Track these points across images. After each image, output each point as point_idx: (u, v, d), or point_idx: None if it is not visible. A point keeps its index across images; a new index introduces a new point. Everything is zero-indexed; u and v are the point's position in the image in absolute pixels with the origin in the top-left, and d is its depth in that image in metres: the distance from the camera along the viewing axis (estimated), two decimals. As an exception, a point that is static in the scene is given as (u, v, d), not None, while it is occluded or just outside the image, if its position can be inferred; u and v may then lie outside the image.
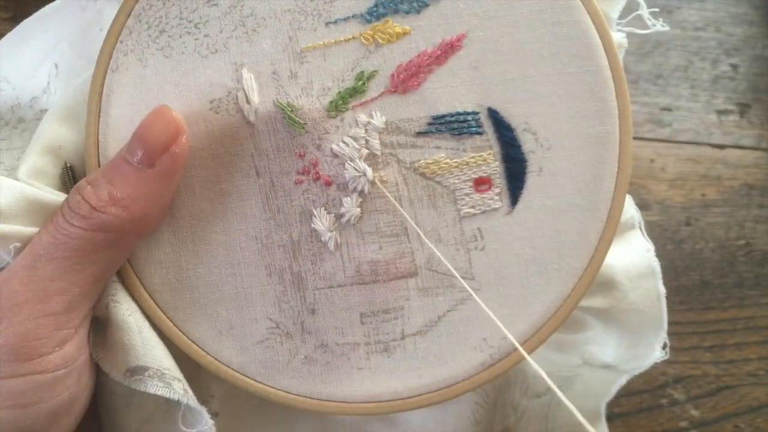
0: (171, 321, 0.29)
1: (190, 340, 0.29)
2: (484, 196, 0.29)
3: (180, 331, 0.29)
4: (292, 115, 0.28)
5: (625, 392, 0.44)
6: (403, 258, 0.29)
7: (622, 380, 0.34)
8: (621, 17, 0.33)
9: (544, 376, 0.26)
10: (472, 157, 0.29)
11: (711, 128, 0.48)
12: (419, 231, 0.28)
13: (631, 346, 0.32)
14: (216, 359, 0.29)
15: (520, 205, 0.29)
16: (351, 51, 0.28)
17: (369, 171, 0.28)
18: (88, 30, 0.35)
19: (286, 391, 0.29)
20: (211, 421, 0.27)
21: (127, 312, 0.28)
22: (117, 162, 0.27)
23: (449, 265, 0.28)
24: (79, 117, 0.30)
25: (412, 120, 0.29)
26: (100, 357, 0.28)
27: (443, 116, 0.29)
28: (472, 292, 0.28)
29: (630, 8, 0.33)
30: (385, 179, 0.28)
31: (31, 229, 0.27)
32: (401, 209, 0.28)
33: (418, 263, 0.29)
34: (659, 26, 0.34)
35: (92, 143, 0.29)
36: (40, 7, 0.35)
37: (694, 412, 0.44)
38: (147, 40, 0.29)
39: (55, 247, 0.25)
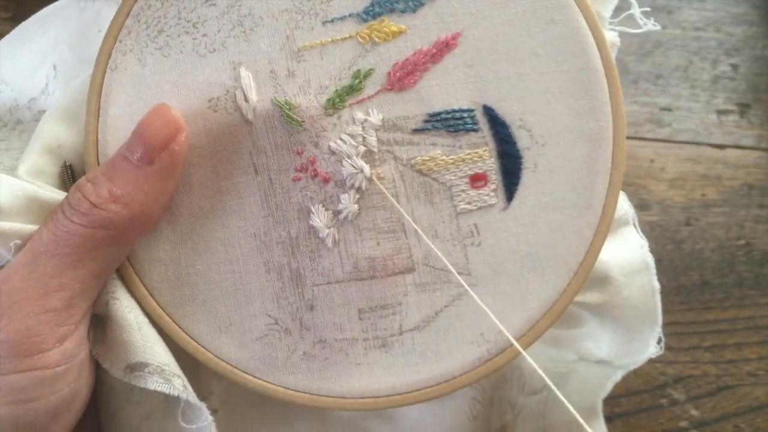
0: (170, 318, 0.29)
1: (190, 336, 0.29)
2: (480, 192, 0.29)
3: (179, 327, 0.29)
4: (290, 113, 0.29)
5: (625, 392, 0.44)
6: (400, 254, 0.29)
7: (617, 376, 0.35)
8: (613, 16, 0.34)
9: (540, 371, 0.27)
10: (468, 154, 0.29)
11: (711, 128, 0.48)
12: (416, 227, 0.29)
13: (625, 342, 0.32)
14: (215, 355, 0.29)
15: (515, 201, 0.29)
16: (348, 50, 0.29)
17: (366, 168, 0.29)
18: (86, 31, 0.35)
19: (285, 387, 0.29)
20: (210, 417, 0.27)
21: (126, 309, 0.28)
22: (117, 160, 0.27)
23: (446, 261, 0.29)
24: (78, 117, 0.31)
25: (408, 117, 0.29)
26: (100, 354, 0.28)
27: (439, 113, 0.29)
28: (468, 288, 0.28)
29: (623, 7, 0.34)
30: (382, 176, 0.29)
31: (31, 227, 0.27)
32: (398, 206, 0.29)
33: (415, 259, 0.29)
34: (651, 25, 0.34)
35: (91, 142, 0.29)
36: (40, 8, 0.35)
37: (694, 412, 0.45)
38: (146, 40, 0.29)
39: (55, 244, 0.25)
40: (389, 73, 0.29)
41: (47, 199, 0.27)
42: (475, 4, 0.29)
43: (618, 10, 0.34)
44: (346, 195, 0.29)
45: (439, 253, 0.29)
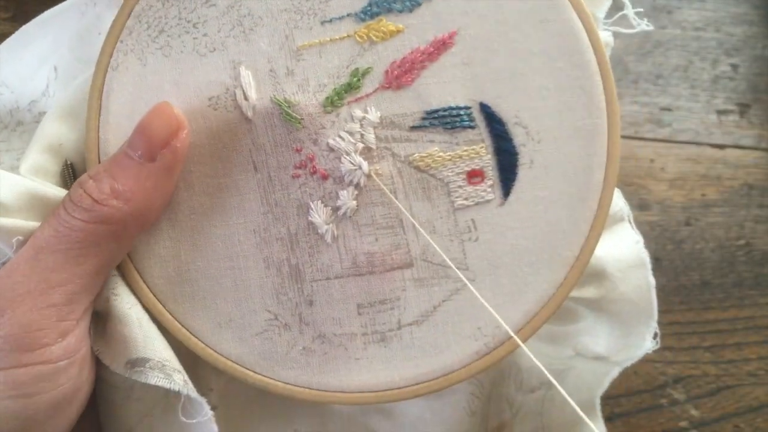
0: (170, 314, 0.29)
1: (190, 332, 0.29)
2: (477, 188, 0.29)
3: (179, 323, 0.29)
4: (289, 111, 0.29)
5: (625, 392, 0.44)
6: (398, 249, 0.29)
7: (615, 372, 0.35)
8: (608, 17, 0.34)
9: (539, 364, 0.27)
10: (465, 151, 0.29)
11: (711, 128, 0.48)
12: (414, 223, 0.29)
13: (622, 336, 0.33)
14: (215, 351, 0.29)
15: (512, 197, 0.29)
16: (346, 49, 0.29)
17: (365, 164, 0.29)
18: (86, 34, 0.36)
19: (285, 382, 0.29)
20: (210, 412, 0.28)
21: (127, 305, 0.28)
22: (119, 157, 0.27)
23: (444, 256, 0.29)
24: (80, 116, 0.31)
25: (406, 115, 0.29)
26: (101, 350, 0.28)
27: (436, 111, 0.29)
28: (467, 282, 0.29)
29: (616, 8, 0.34)
30: (380, 172, 0.29)
31: (33, 224, 0.27)
32: (396, 201, 0.29)
33: (413, 254, 0.29)
34: (644, 26, 0.35)
35: (93, 140, 0.29)
36: (40, 7, 0.35)
37: (694, 412, 0.45)
38: (147, 40, 0.29)
39: (57, 240, 0.26)
40: (387, 72, 0.29)
41: (49, 196, 0.28)
42: (470, 4, 0.29)
43: (614, 10, 0.34)
44: (345, 191, 0.29)
45: (438, 248, 0.29)
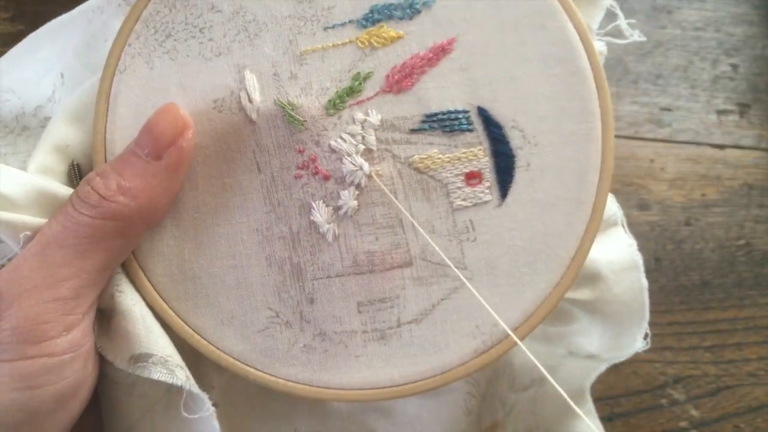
0: (174, 311, 0.30)
1: (192, 329, 0.30)
2: (475, 189, 0.30)
3: (182, 320, 0.30)
4: (293, 113, 0.30)
5: (625, 392, 0.44)
6: (398, 248, 0.30)
7: (602, 368, 0.36)
8: (601, 27, 0.35)
9: (534, 360, 0.27)
10: (464, 153, 0.30)
11: (711, 128, 0.48)
12: (414, 222, 0.30)
13: (614, 337, 0.33)
14: (217, 348, 0.30)
15: (509, 198, 0.30)
16: (348, 54, 0.30)
17: (366, 165, 0.30)
18: (93, 41, 0.36)
19: (286, 379, 0.30)
20: (212, 408, 0.28)
21: (131, 302, 0.29)
22: (126, 155, 0.28)
23: (443, 255, 0.30)
24: (86, 118, 0.32)
25: (406, 118, 0.30)
26: (104, 346, 0.29)
27: (435, 114, 0.30)
28: (465, 280, 0.29)
29: (610, 17, 0.35)
30: (381, 173, 0.30)
31: (41, 220, 0.28)
32: (396, 202, 0.30)
33: (412, 253, 0.30)
34: (636, 36, 0.36)
35: (99, 141, 0.30)
36: (39, 7, 0.36)
37: (694, 412, 0.45)
38: (154, 44, 0.30)
39: (64, 235, 0.26)
40: (388, 76, 0.30)
41: (57, 194, 0.28)
42: (469, 12, 0.30)
43: (607, 20, 0.35)
44: (346, 191, 0.30)
45: (437, 248, 0.30)
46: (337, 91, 0.30)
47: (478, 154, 0.30)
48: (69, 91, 0.36)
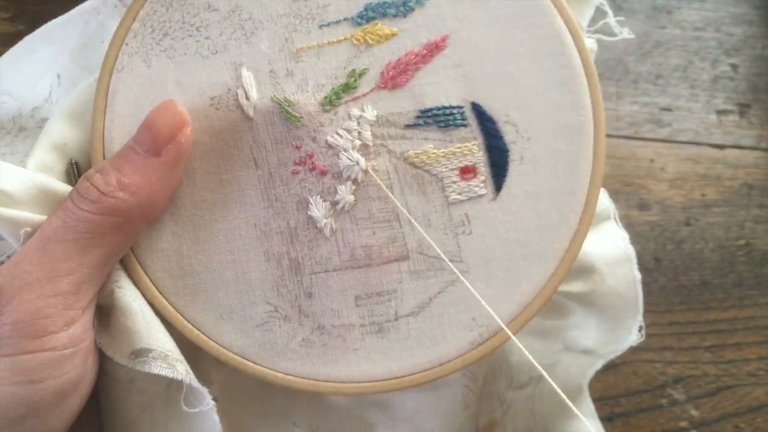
0: (173, 307, 0.30)
1: (192, 324, 0.30)
2: (470, 183, 0.31)
3: (182, 316, 0.30)
4: (289, 110, 0.30)
5: (625, 392, 0.44)
6: (395, 242, 0.30)
7: (599, 364, 0.36)
8: (590, 24, 0.36)
9: (528, 355, 0.28)
10: (458, 148, 0.31)
11: (711, 128, 0.48)
12: (410, 217, 0.30)
13: (610, 330, 0.34)
14: (217, 343, 0.30)
15: (503, 192, 0.30)
16: (343, 51, 0.31)
17: (362, 160, 0.30)
18: (90, 42, 0.37)
19: (285, 373, 0.30)
20: (212, 402, 0.28)
21: (131, 298, 0.29)
22: (125, 152, 0.28)
23: (437, 249, 0.30)
24: (84, 117, 0.32)
25: (401, 113, 0.31)
26: (104, 342, 0.29)
27: (430, 110, 0.31)
28: (459, 274, 0.30)
29: (598, 17, 0.36)
30: (377, 168, 0.30)
31: (41, 217, 0.28)
32: (392, 196, 0.30)
33: (409, 247, 0.30)
34: (626, 34, 0.36)
35: (98, 139, 0.30)
36: (39, 7, 0.36)
37: (694, 412, 0.45)
38: (151, 43, 0.31)
39: (64, 230, 0.27)
40: (383, 73, 0.31)
41: (56, 190, 0.29)
42: (461, 9, 0.31)
43: (594, 20, 0.36)
44: (343, 186, 0.30)
45: (432, 241, 0.30)
46: (333, 88, 0.30)
47: (473, 149, 0.31)
48: (66, 92, 0.36)
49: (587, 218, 0.30)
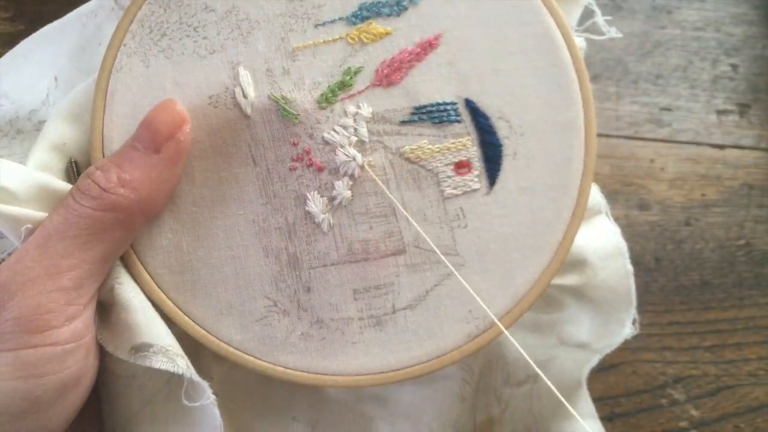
0: (172, 302, 0.30)
1: (192, 320, 0.30)
2: (464, 178, 0.31)
3: (182, 312, 0.30)
4: (286, 107, 0.31)
5: (625, 392, 0.44)
6: (391, 237, 0.31)
7: (595, 360, 0.36)
8: (579, 24, 0.37)
9: (522, 352, 0.28)
10: (453, 143, 0.31)
11: (711, 128, 0.48)
12: (406, 213, 0.31)
13: (603, 323, 0.34)
14: (217, 338, 0.30)
15: (497, 186, 0.31)
16: (338, 49, 0.31)
17: (358, 156, 0.31)
18: (87, 45, 0.37)
19: (284, 366, 0.30)
20: (213, 396, 0.28)
21: (131, 293, 0.29)
22: (125, 149, 0.29)
23: (432, 244, 0.30)
24: (83, 117, 0.32)
25: (396, 110, 0.31)
26: (105, 338, 0.29)
27: (424, 106, 0.31)
28: (452, 268, 0.30)
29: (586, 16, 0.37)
30: (373, 164, 0.31)
31: (42, 214, 0.28)
32: (388, 191, 0.31)
33: (405, 241, 0.31)
34: (613, 33, 0.37)
35: (97, 138, 0.31)
36: (39, 7, 0.36)
37: (694, 412, 0.44)
38: (149, 43, 0.31)
39: (65, 227, 0.27)
40: (377, 70, 0.31)
41: (57, 188, 0.29)
42: (454, 8, 0.31)
43: (583, 19, 0.37)
44: (340, 182, 0.31)
45: (426, 236, 0.30)
46: (329, 86, 0.31)
47: (467, 144, 0.31)
48: (63, 94, 0.37)
49: (579, 212, 0.31)
